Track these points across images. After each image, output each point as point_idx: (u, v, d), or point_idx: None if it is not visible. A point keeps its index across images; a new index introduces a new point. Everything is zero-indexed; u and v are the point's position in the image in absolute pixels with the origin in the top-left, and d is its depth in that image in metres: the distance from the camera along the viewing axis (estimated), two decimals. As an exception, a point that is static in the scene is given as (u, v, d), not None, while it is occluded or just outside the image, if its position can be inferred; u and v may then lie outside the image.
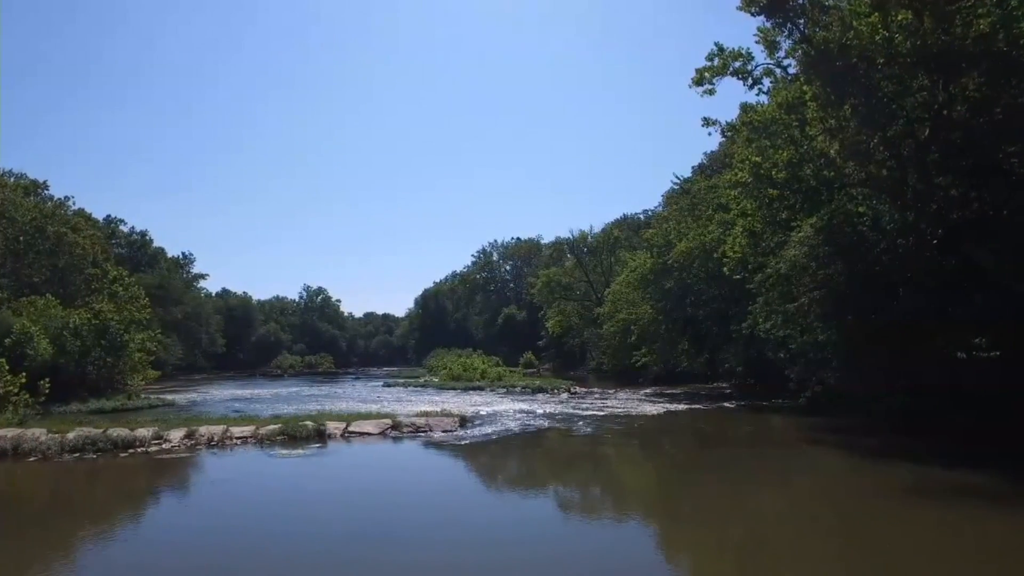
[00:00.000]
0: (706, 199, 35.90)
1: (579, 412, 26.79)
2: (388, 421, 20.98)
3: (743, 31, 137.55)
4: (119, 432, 17.48)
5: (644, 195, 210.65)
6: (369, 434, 19.90)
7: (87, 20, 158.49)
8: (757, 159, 20.08)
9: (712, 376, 40.81)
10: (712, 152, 61.68)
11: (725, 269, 25.40)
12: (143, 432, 17.92)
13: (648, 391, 38.14)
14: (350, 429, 20.08)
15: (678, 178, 42.40)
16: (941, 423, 18.50)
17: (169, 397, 40.57)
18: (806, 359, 21.39)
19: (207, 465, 15.98)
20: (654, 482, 14.98)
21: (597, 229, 74.54)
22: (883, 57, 15.83)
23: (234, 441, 18.43)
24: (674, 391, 37.55)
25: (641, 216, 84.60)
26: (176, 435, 18.20)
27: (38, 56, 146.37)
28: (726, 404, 29.23)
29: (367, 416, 22.33)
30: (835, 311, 19.54)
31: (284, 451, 17.06)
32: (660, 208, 66.85)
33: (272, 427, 19.52)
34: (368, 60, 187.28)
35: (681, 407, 28.16)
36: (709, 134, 24.05)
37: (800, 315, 20.42)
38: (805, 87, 18.00)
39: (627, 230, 76.02)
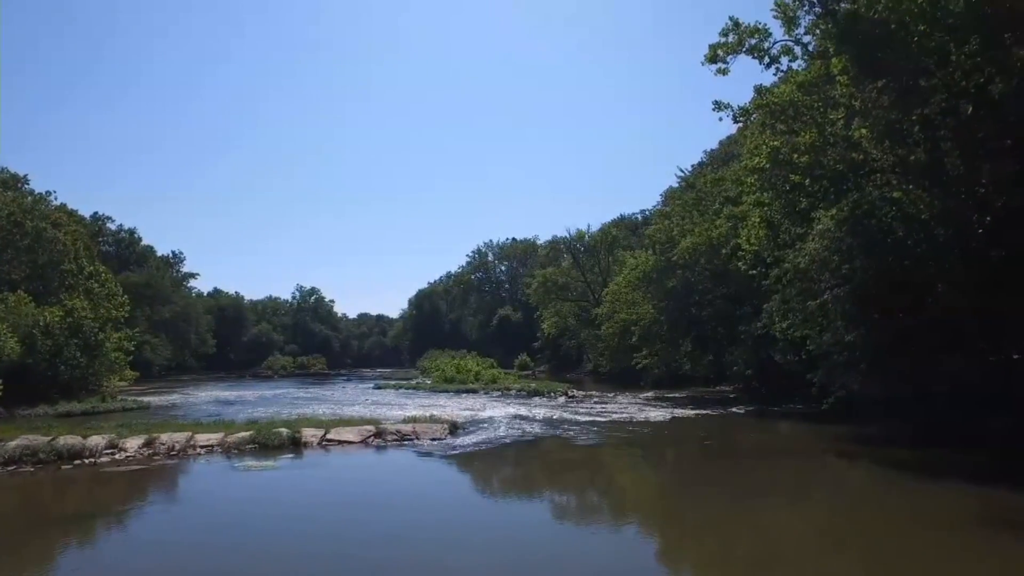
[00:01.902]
0: (711, 193, 34.21)
1: (578, 418, 25.06)
2: (371, 428, 19.20)
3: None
4: (67, 441, 15.64)
5: (642, 196, 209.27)
6: (350, 442, 18.13)
7: (83, 20, 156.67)
8: (776, 143, 18.37)
9: (715, 379, 39.15)
10: (712, 150, 60.29)
11: (740, 264, 23.62)
12: (96, 440, 16.11)
13: (649, 395, 36.48)
14: (328, 437, 18.30)
15: (682, 171, 40.63)
16: (980, 433, 16.88)
17: (148, 399, 38.80)
18: (830, 362, 19.65)
19: (157, 480, 14.08)
20: (669, 500, 13.17)
21: (595, 228, 72.77)
22: (924, 23, 14.18)
23: (198, 450, 16.62)
24: (677, 395, 35.88)
25: (639, 216, 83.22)
26: (133, 443, 16.41)
27: (33, 55, 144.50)
28: (735, 409, 27.51)
29: (349, 422, 20.55)
30: (860, 309, 17.85)
31: (252, 462, 15.25)
32: (659, 206, 65.25)
33: (242, 434, 17.75)
34: (364, 60, 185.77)
35: (687, 412, 26.45)
36: (720, 119, 22.35)
37: (822, 314, 18.73)
38: (833, 60, 16.30)
39: (624, 230, 74.43)
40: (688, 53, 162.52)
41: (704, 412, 26.69)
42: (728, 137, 60.38)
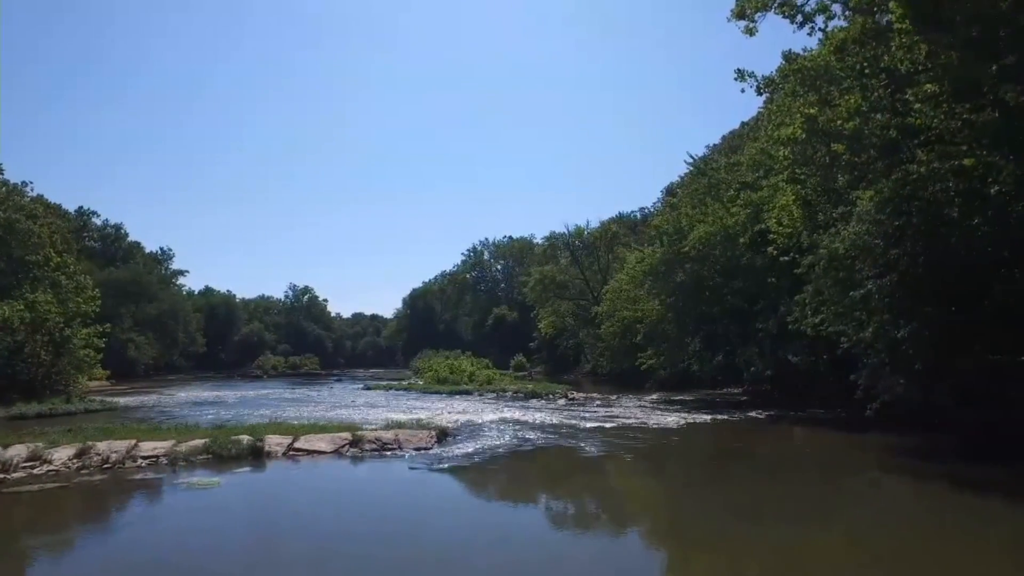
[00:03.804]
0: (726, 179, 31.71)
1: (582, 423, 22.59)
2: (347, 436, 16.71)
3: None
4: (-23, 451, 13.17)
5: (640, 195, 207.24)
6: (321, 452, 15.67)
7: (78, 18, 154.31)
8: (812, 111, 15.99)
9: (723, 381, 36.69)
10: (715, 145, 57.97)
11: (770, 249, 21.11)
12: (16, 451, 13.59)
13: (654, 397, 34.06)
14: (296, 446, 15.83)
15: (693, 157, 38.03)
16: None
17: (121, 400, 36.37)
18: (873, 362, 17.20)
19: (63, 503, 11.29)
20: (701, 524, 10.53)
21: (594, 224, 70.29)
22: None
23: (139, 462, 14.12)
24: (685, 397, 33.46)
25: (638, 214, 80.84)
26: (62, 454, 13.88)
27: (30, 53, 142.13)
28: (753, 414, 25.04)
29: (324, 428, 18.08)
30: (911, 302, 15.48)
31: (196, 478, 12.72)
32: (660, 203, 62.79)
33: (195, 443, 15.26)
34: (360, 59, 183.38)
35: (702, 418, 23.98)
36: (742, 91, 19.88)
37: (862, 307, 16.33)
38: (892, 3, 13.87)
39: (623, 228, 72.02)
40: (687, 52, 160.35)
41: (720, 417, 24.24)
42: (731, 132, 58.41)
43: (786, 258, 19.34)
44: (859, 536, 9.41)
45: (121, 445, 14.68)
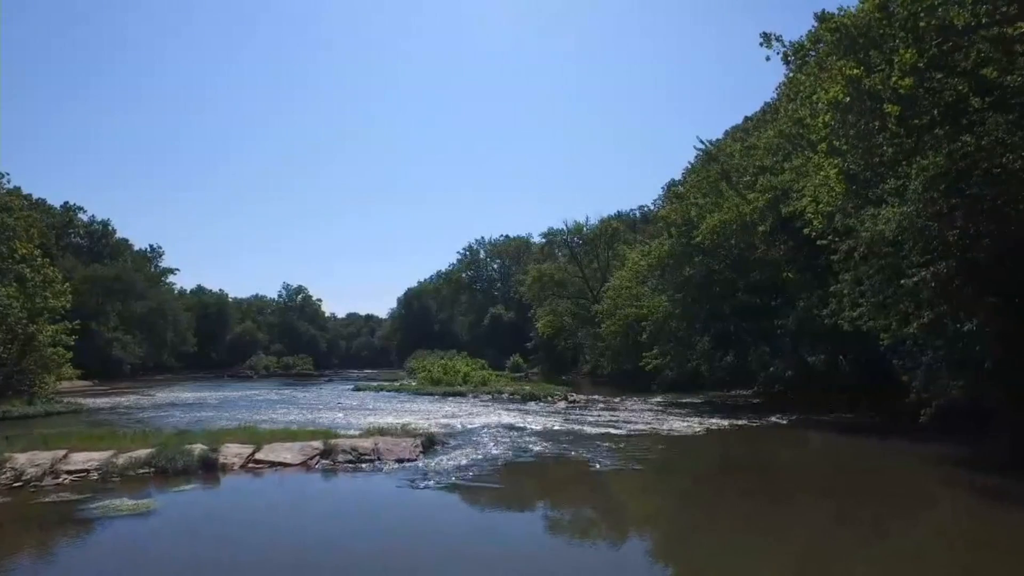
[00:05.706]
0: (739, 165, 29.47)
1: (586, 429, 20.38)
2: (318, 445, 14.45)
3: (739, 29, 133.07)
4: None
5: (639, 195, 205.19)
6: (286, 464, 13.42)
7: (81, 21, 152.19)
8: (856, 71, 13.81)
9: (732, 382, 34.41)
10: (717, 140, 55.91)
11: (807, 230, 18.80)
12: (-87, 465, 11.39)
13: (659, 400, 31.81)
14: (259, 457, 13.58)
15: (703, 143, 35.74)
16: None
17: (92, 402, 34.10)
18: (934, 359, 15.00)
19: None
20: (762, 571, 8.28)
21: (593, 221, 67.98)
22: None
23: (63, 478, 11.82)
24: (693, 400, 31.29)
25: (636, 213, 78.73)
26: (-31, 469, 11.67)
27: (33, 56, 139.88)
28: (774, 419, 22.75)
29: (293, 435, 15.80)
30: (975, 291, 13.32)
31: (121, 502, 10.35)
32: (661, 201, 60.67)
33: (138, 453, 12.99)
34: (355, 63, 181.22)
35: (720, 423, 21.72)
36: (767, 58, 17.74)
37: (915, 297, 14.14)
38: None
39: (622, 226, 69.84)
40: (684, 49, 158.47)
41: (738, 422, 21.99)
42: (735, 127, 56.32)
43: (823, 242, 17.10)
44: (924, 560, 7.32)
45: (45, 457, 12.40)
